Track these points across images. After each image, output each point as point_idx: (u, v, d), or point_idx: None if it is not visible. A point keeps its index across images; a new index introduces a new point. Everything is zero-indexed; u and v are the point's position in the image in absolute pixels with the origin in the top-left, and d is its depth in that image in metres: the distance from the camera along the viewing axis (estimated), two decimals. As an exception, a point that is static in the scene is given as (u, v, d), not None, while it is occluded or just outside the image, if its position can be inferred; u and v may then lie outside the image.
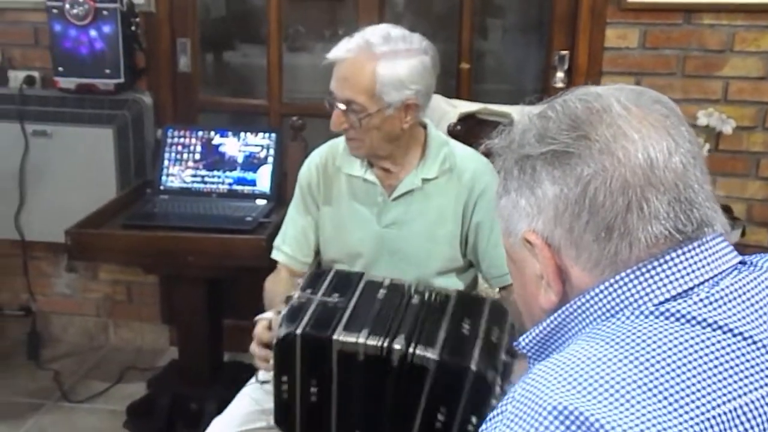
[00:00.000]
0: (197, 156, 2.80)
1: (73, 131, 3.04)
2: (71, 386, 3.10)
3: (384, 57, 1.81)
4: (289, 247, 2.06)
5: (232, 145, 2.76)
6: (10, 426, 2.83)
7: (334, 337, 1.61)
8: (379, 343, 1.60)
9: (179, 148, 2.81)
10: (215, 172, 2.77)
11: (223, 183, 2.76)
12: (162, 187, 2.79)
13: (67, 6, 2.87)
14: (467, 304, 1.76)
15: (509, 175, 0.92)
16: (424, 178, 1.92)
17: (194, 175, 2.78)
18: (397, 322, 1.66)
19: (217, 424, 1.90)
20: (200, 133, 2.81)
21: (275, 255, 2.08)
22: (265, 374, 1.82)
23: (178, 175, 2.79)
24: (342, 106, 1.84)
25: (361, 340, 1.61)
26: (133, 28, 2.96)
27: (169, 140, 2.83)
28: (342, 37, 1.89)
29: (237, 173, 2.75)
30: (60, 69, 2.96)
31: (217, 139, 2.79)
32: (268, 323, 1.75)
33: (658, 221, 0.84)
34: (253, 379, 1.96)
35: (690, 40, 2.69)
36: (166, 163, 2.81)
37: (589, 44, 2.77)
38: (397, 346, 1.58)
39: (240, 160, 2.75)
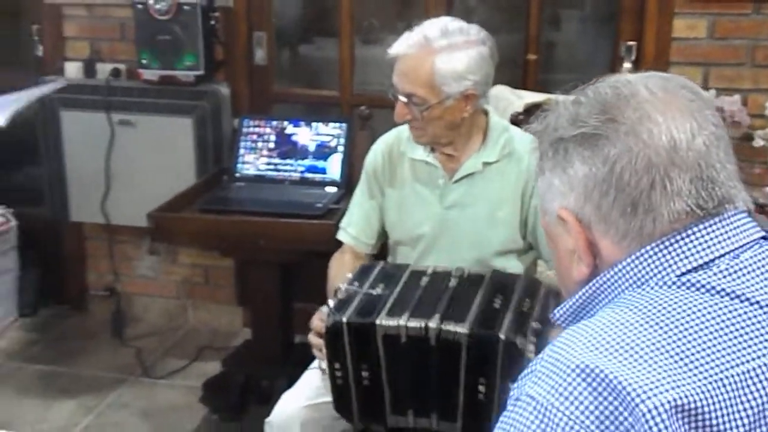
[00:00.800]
0: (271, 145, 2.88)
1: (155, 121, 3.15)
2: (152, 363, 3.22)
3: (442, 51, 1.86)
4: (354, 229, 2.13)
5: (304, 135, 2.84)
6: (95, 398, 2.97)
7: (377, 321, 1.68)
8: (420, 324, 1.67)
9: (254, 137, 2.89)
10: (288, 161, 2.84)
11: (295, 171, 2.83)
12: (238, 175, 2.88)
13: (151, 2, 2.97)
14: (500, 282, 1.83)
15: (545, 156, 0.98)
16: (484, 161, 1.97)
17: (268, 163, 2.86)
18: (435, 304, 1.72)
19: (287, 397, 1.98)
20: (274, 123, 2.89)
21: (340, 235, 2.16)
22: (324, 363, 1.91)
23: (253, 163, 2.87)
24: (404, 99, 1.90)
25: (402, 322, 1.68)
26: (212, 22, 3.06)
27: (244, 130, 2.91)
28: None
29: (308, 161, 2.82)
30: (144, 61, 3.07)
31: (290, 129, 2.86)
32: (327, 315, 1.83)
33: (681, 198, 0.88)
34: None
35: (760, 30, 2.65)
36: (241, 151, 2.89)
37: (656, 35, 2.75)
38: (432, 325, 1.65)
39: (312, 148, 2.82)
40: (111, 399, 2.98)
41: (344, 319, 1.70)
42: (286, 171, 2.85)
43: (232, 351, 3.13)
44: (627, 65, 2.79)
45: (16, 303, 3.51)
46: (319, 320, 1.82)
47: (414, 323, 1.68)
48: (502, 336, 1.61)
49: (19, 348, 3.42)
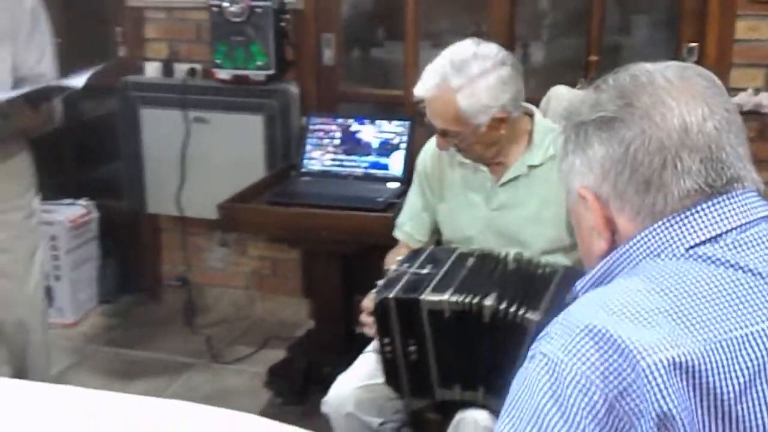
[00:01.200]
0: (337, 142, 2.95)
1: (227, 118, 3.23)
2: (220, 349, 3.30)
3: (461, 89, 1.89)
4: (408, 227, 2.21)
5: (368, 132, 2.91)
6: (166, 380, 3.08)
7: (422, 297, 1.75)
8: (465, 300, 1.72)
9: (321, 134, 2.98)
10: (352, 157, 2.92)
11: (359, 167, 2.90)
12: (304, 170, 2.96)
13: (226, 5, 3.05)
14: (572, 277, 1.87)
15: (568, 140, 1.04)
16: (530, 165, 2.01)
17: (333, 159, 2.94)
18: (489, 284, 1.77)
19: (342, 379, 2.05)
20: (340, 121, 2.97)
21: (396, 233, 2.24)
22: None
23: (319, 158, 2.96)
24: (441, 133, 1.97)
25: (446, 297, 1.74)
26: (282, 24, 3.11)
27: (312, 127, 2.99)
28: (481, 33, 1.98)
29: (372, 158, 2.89)
30: (218, 62, 3.14)
31: (355, 127, 2.94)
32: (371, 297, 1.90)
33: (690, 177, 0.94)
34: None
35: (821, 31, 2.62)
36: (308, 147, 2.97)
37: (718, 36, 2.74)
38: (487, 303, 1.70)
39: (375, 145, 2.90)
40: (181, 382, 3.07)
41: (391, 296, 1.78)
42: (350, 167, 2.92)
43: (296, 340, 3.21)
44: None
45: (97, 290, 3.72)
46: (370, 300, 1.89)
47: (457, 298, 1.73)
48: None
49: (98, 332, 3.54)
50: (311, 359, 2.94)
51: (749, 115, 2.62)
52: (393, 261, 2.16)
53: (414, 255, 1.97)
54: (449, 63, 1.92)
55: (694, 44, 2.82)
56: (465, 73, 1.90)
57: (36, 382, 1.65)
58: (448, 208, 2.14)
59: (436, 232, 2.21)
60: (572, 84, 2.63)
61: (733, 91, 2.60)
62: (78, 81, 2.28)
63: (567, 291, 1.76)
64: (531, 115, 2.07)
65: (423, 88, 1.95)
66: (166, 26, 3.45)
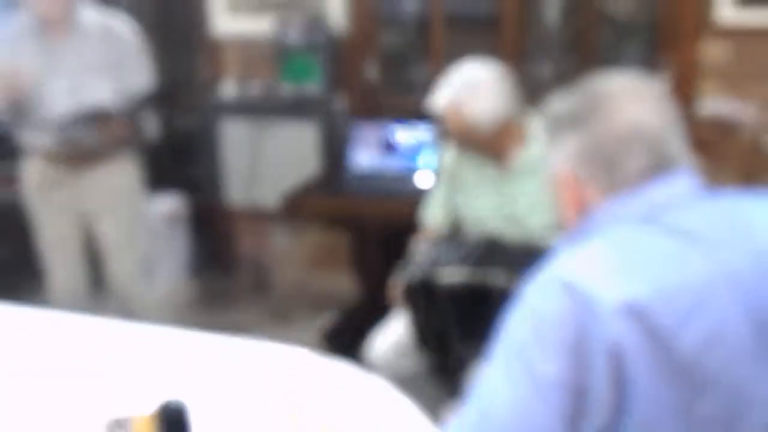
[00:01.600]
0: (378, 143, 2.98)
1: (290, 125, 3.30)
2: (285, 315, 3.34)
3: (467, 103, 1.92)
4: (432, 214, 2.23)
5: (403, 135, 2.94)
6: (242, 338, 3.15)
7: (439, 277, 1.79)
8: (475, 277, 1.76)
9: (365, 137, 3.00)
10: (391, 155, 2.95)
11: (396, 163, 2.94)
12: (352, 167, 3.00)
13: (288, 35, 3.17)
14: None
15: (549, 131, 1.11)
16: (526, 159, 2.02)
17: (375, 158, 2.97)
18: (496, 263, 1.80)
19: (381, 333, 2.16)
20: (380, 126, 3.00)
21: (423, 219, 2.26)
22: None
23: (364, 157, 2.99)
24: (452, 136, 2.01)
25: (459, 276, 1.78)
26: (333, 49, 3.19)
27: (357, 132, 3.02)
28: (494, 52, 1.99)
29: (407, 156, 2.92)
30: (283, 80, 3.24)
31: (392, 131, 2.97)
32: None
33: (642, 158, 1.01)
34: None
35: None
36: (355, 148, 3.01)
37: (689, 54, 2.74)
38: (498, 278, 1.75)
39: (409, 146, 2.93)
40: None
41: (415, 278, 1.83)
42: (389, 163, 2.95)
43: (347, 308, 3.24)
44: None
45: (184, 268, 3.77)
46: (398, 280, 1.95)
47: (468, 275, 1.77)
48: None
49: (186, 302, 3.59)
50: (359, 323, 2.90)
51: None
52: (419, 244, 2.21)
53: (432, 243, 2.00)
54: (457, 81, 1.95)
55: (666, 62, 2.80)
56: (470, 89, 1.92)
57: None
58: (465, 198, 2.16)
59: (455, 218, 2.23)
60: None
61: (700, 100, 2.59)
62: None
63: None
64: (529, 116, 2.07)
65: (435, 103, 1.98)
66: (238, 52, 3.47)
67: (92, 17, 2.39)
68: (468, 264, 1.83)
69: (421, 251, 1.99)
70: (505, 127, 1.97)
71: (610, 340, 0.88)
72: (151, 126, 2.56)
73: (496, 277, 1.76)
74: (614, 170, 1.02)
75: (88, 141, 2.40)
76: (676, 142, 1.04)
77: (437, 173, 2.25)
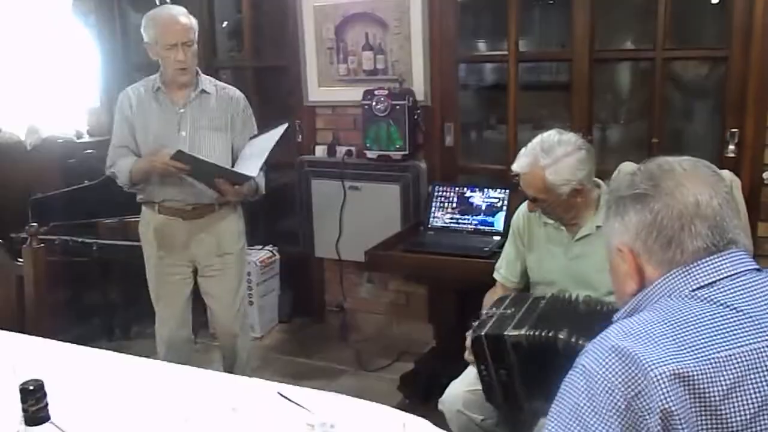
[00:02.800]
0: (454, 204, 3.05)
1: (374, 186, 3.38)
2: (366, 360, 3.40)
3: (549, 167, 1.96)
4: (503, 270, 2.27)
5: (478, 197, 3.02)
6: (325, 383, 3.10)
7: (505, 333, 1.81)
8: (539, 333, 1.76)
9: (442, 198, 3.08)
10: (466, 216, 3.02)
11: (470, 223, 3.00)
12: (430, 226, 3.07)
13: (374, 103, 3.26)
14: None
15: (610, 208, 1.11)
16: (597, 225, 2.03)
17: (452, 218, 3.05)
18: (558, 320, 1.79)
19: (454, 384, 2.14)
20: (457, 188, 3.08)
21: (495, 275, 2.31)
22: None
23: (440, 217, 3.07)
24: (531, 199, 2.05)
25: (523, 332, 1.79)
26: (415, 116, 3.27)
27: (436, 193, 3.11)
28: (566, 119, 2.00)
29: (480, 217, 2.99)
30: (368, 145, 3.34)
31: (468, 193, 3.05)
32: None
33: (700, 238, 1.02)
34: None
35: None
36: (433, 209, 3.09)
37: (755, 124, 2.68)
38: (561, 336, 1.74)
39: (483, 207, 2.99)
40: (337, 383, 3.14)
41: (482, 333, 1.85)
42: (464, 223, 3.02)
43: (422, 355, 3.25)
44: (731, 147, 2.72)
45: (278, 313, 3.89)
46: (468, 337, 1.97)
47: (532, 332, 1.78)
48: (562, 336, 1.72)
49: (278, 344, 3.71)
50: (433, 370, 2.97)
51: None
52: (490, 299, 2.22)
53: (501, 300, 2.02)
54: (539, 147, 1.99)
55: (735, 129, 2.76)
56: (551, 154, 1.96)
57: (237, 376, 1.80)
58: (535, 258, 2.18)
59: (525, 276, 2.25)
60: (639, 161, 2.65)
61: (766, 166, 2.54)
62: (253, 171, 2.51)
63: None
64: (599, 186, 2.10)
65: (518, 165, 2.02)
66: (331, 119, 3.61)
67: (209, 84, 2.63)
68: (535, 321, 1.85)
69: (491, 306, 2.03)
70: (580, 192, 2.00)
71: (660, 407, 0.89)
72: (263, 182, 2.72)
73: (562, 336, 1.76)
74: (674, 247, 1.02)
75: (209, 195, 2.59)
76: (734, 222, 1.04)
77: (510, 232, 2.30)
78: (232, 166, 2.61)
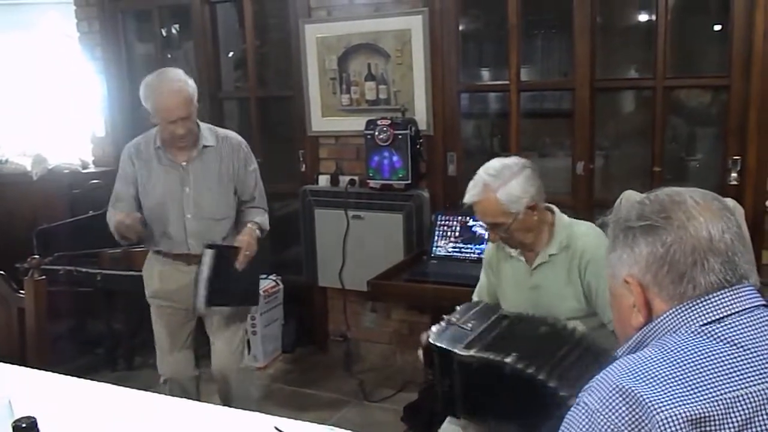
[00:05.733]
0: (457, 233, 3.09)
1: (377, 216, 3.39)
2: (370, 390, 3.39)
3: (499, 188, 1.99)
4: (477, 295, 2.30)
5: (480, 226, 3.01)
6: (329, 413, 3.17)
7: (455, 350, 1.84)
8: (486, 357, 1.78)
9: (445, 227, 3.12)
10: (468, 245, 3.05)
11: (473, 252, 3.02)
12: (433, 255, 3.10)
13: (377, 133, 3.28)
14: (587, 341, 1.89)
15: (617, 238, 1.07)
16: (550, 254, 2.06)
17: (454, 247, 3.08)
18: (513, 344, 1.82)
19: (450, 418, 2.10)
20: (460, 218, 3.11)
21: (473, 296, 2.32)
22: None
23: (443, 246, 3.09)
24: (490, 227, 2.07)
25: (473, 353, 1.81)
26: (418, 146, 3.30)
27: (439, 222, 3.14)
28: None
29: (483, 246, 2.93)
30: (371, 174, 3.36)
31: (471, 222, 3.07)
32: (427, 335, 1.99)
33: (713, 273, 0.99)
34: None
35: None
36: (436, 238, 3.12)
37: (757, 151, 2.69)
38: (508, 360, 1.75)
39: (486, 236, 3.00)
40: (340, 414, 3.15)
41: (436, 344, 1.88)
42: (467, 252, 3.04)
43: (426, 385, 3.09)
44: (734, 174, 2.71)
45: (281, 342, 3.87)
46: (424, 338, 1.98)
47: (483, 355, 1.79)
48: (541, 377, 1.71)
49: (281, 374, 3.70)
50: (437, 401, 3.00)
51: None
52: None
53: (468, 308, 2.05)
54: (485, 174, 2.03)
55: (737, 157, 2.77)
56: (500, 177, 2.00)
57: (237, 410, 1.79)
58: (502, 290, 2.22)
59: (496, 299, 2.26)
60: (641, 189, 2.65)
61: None
62: (200, 304, 2.55)
63: (584, 351, 1.78)
64: (552, 212, 2.11)
65: (470, 196, 2.05)
66: (334, 149, 3.65)
67: (210, 136, 2.64)
68: (490, 342, 1.86)
69: (458, 311, 2.05)
70: (534, 209, 2.02)
71: None
72: (266, 219, 2.75)
73: (508, 361, 1.77)
74: (686, 282, 0.99)
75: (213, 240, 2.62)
76: (745, 257, 1.01)
77: (483, 263, 2.32)
78: (237, 211, 2.68)
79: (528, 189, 2.01)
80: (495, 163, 2.06)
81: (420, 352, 2.02)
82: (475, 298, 2.32)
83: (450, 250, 3.07)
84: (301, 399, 3.39)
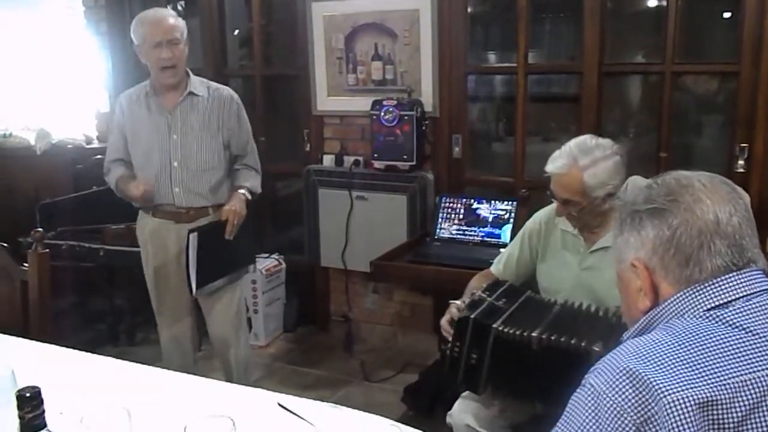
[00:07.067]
0: (461, 216, 3.07)
1: (381, 197, 3.38)
2: (370, 371, 3.39)
3: (587, 168, 1.91)
4: (502, 265, 2.27)
5: (485, 209, 3.03)
6: (329, 392, 3.17)
7: (494, 325, 1.83)
8: (523, 333, 1.79)
9: (449, 210, 3.10)
10: (472, 228, 3.03)
11: (477, 235, 3.02)
12: (436, 237, 3.08)
13: (383, 113, 3.27)
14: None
15: (624, 222, 1.06)
16: None
17: (458, 229, 3.06)
18: (539, 320, 1.84)
19: (465, 396, 2.08)
20: (464, 200, 3.09)
21: (492, 267, 2.29)
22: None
23: (447, 228, 3.08)
24: (562, 202, 1.99)
25: (510, 330, 1.82)
26: (423, 127, 3.29)
27: (443, 204, 3.13)
28: (574, 132, 2.02)
29: (487, 229, 3.00)
30: (375, 155, 3.35)
31: (475, 205, 3.06)
32: (457, 308, 1.99)
33: (720, 256, 0.98)
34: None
35: None
36: (440, 220, 3.11)
37: (764, 139, 2.66)
38: (534, 334, 1.78)
39: (490, 219, 3.01)
40: (340, 394, 3.16)
41: (472, 317, 1.87)
42: (470, 235, 3.03)
43: (427, 367, 3.25)
44: (741, 162, 2.69)
45: (282, 322, 3.88)
46: (456, 309, 1.98)
47: (519, 331, 1.81)
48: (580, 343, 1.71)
49: (282, 353, 3.69)
50: (437, 383, 2.97)
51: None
52: (475, 281, 2.25)
53: (495, 285, 2.04)
54: (576, 148, 1.94)
55: (745, 144, 2.74)
56: (591, 156, 1.92)
57: (240, 386, 1.76)
58: (547, 266, 2.17)
59: (520, 278, 2.24)
60: (646, 175, 2.64)
61: None
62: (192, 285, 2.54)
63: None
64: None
65: (555, 166, 1.96)
66: (339, 129, 3.63)
67: (200, 86, 2.65)
68: (522, 320, 1.85)
69: (485, 287, 2.03)
70: (611, 198, 1.95)
71: None
72: (256, 182, 2.71)
73: (535, 335, 1.78)
74: (692, 265, 0.99)
75: (204, 197, 2.62)
76: (753, 241, 1.01)
77: (521, 233, 2.26)
78: (230, 166, 2.67)
79: (614, 176, 1.94)
80: (588, 140, 1.97)
81: (444, 322, 2.00)
82: (495, 268, 2.28)
83: (453, 232, 3.06)
84: (302, 378, 3.40)
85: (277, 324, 3.86)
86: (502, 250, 2.77)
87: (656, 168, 2.92)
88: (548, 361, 1.76)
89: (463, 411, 2.06)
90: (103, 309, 3.84)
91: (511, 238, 2.79)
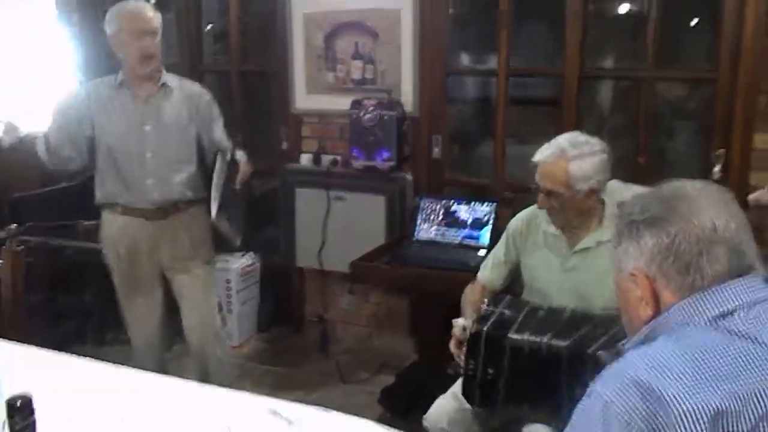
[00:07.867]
0: (440, 217, 3.06)
1: (359, 197, 3.35)
2: (346, 372, 3.36)
3: (574, 159, 1.96)
4: (488, 270, 2.27)
5: (464, 211, 3.02)
6: (304, 394, 3.10)
7: (509, 335, 1.83)
8: (539, 340, 1.79)
9: (428, 211, 3.09)
10: (452, 229, 3.02)
11: (456, 237, 3.00)
12: (415, 238, 3.07)
13: (362, 113, 3.24)
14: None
15: (622, 233, 1.08)
16: (598, 240, 2.03)
17: (437, 231, 3.05)
18: (559, 328, 1.83)
19: (440, 400, 2.14)
20: (443, 201, 3.08)
21: (479, 274, 2.30)
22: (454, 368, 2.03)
23: (426, 230, 3.06)
24: (546, 193, 2.03)
25: (526, 337, 1.81)
26: (403, 128, 3.27)
27: (422, 205, 3.11)
28: (553, 135, 2.05)
29: (466, 231, 2.99)
30: (354, 155, 3.31)
31: (454, 206, 3.05)
32: (462, 328, 1.98)
33: (719, 263, 0.99)
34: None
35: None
36: (419, 221, 3.09)
37: (741, 146, 2.69)
38: (563, 343, 1.78)
39: (469, 221, 3.00)
40: (315, 396, 3.10)
41: (485, 329, 1.86)
42: (449, 237, 3.01)
43: (404, 368, 3.25)
44: (716, 168, 2.69)
45: (256, 322, 3.85)
46: (461, 331, 1.97)
47: (534, 338, 1.81)
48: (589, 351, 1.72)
49: (256, 354, 3.66)
50: (414, 384, 2.99)
51: (765, 209, 2.51)
52: (470, 296, 2.25)
53: (496, 300, 2.02)
54: (566, 141, 1.99)
55: (721, 151, 2.74)
56: (579, 149, 1.97)
57: (214, 387, 1.76)
58: (530, 265, 2.18)
59: (508, 280, 2.25)
60: (625, 180, 2.66)
61: (752, 188, 2.55)
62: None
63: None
64: (602, 202, 2.09)
65: (542, 155, 2.00)
66: (317, 127, 3.58)
67: (173, 79, 2.63)
68: (536, 328, 1.85)
69: (487, 303, 2.01)
70: (594, 195, 2.00)
71: None
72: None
73: (563, 344, 1.78)
74: (692, 273, 0.99)
75: (175, 193, 2.58)
76: (751, 246, 1.02)
77: (504, 235, 2.27)
78: (199, 157, 2.62)
79: (599, 173, 1.98)
80: (577, 135, 2.03)
81: (452, 346, 2.00)
82: (482, 275, 2.28)
83: (433, 234, 3.05)
84: (276, 379, 3.36)
85: (251, 324, 3.82)
86: (481, 251, 2.86)
87: (634, 172, 2.92)
88: (570, 368, 1.75)
89: (440, 414, 2.08)
90: (73, 307, 3.76)
91: (491, 240, 2.87)
